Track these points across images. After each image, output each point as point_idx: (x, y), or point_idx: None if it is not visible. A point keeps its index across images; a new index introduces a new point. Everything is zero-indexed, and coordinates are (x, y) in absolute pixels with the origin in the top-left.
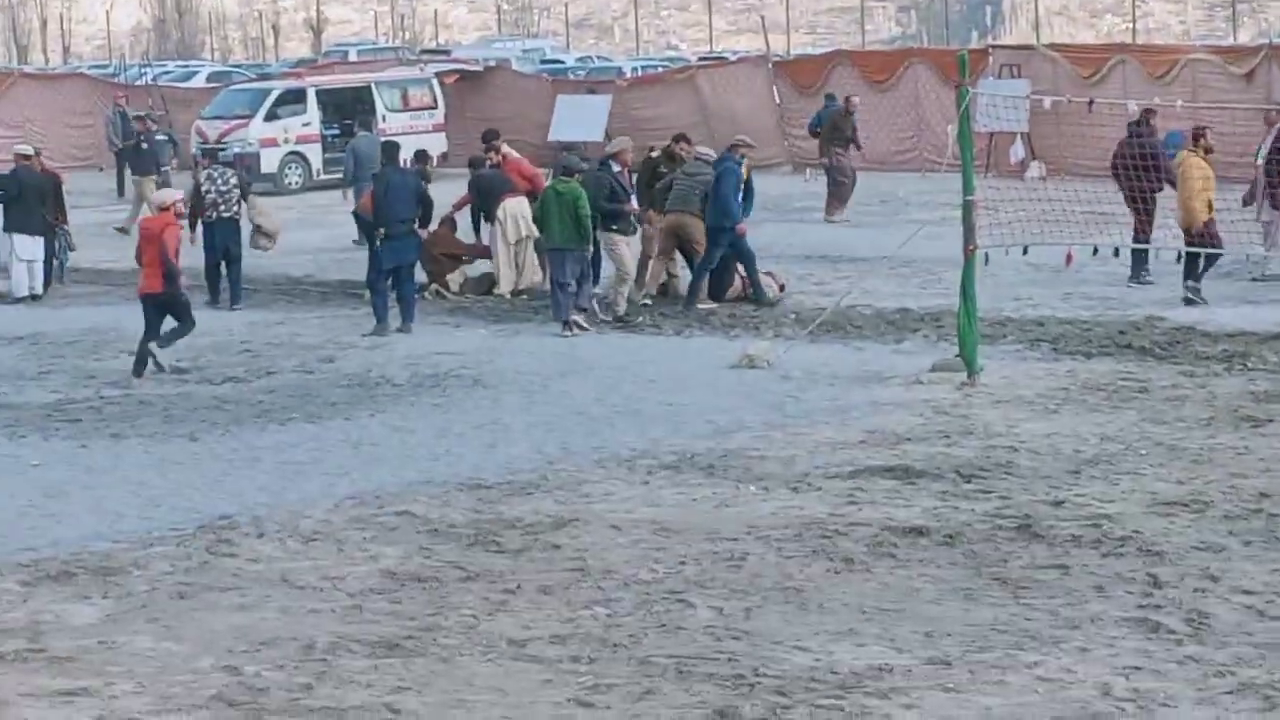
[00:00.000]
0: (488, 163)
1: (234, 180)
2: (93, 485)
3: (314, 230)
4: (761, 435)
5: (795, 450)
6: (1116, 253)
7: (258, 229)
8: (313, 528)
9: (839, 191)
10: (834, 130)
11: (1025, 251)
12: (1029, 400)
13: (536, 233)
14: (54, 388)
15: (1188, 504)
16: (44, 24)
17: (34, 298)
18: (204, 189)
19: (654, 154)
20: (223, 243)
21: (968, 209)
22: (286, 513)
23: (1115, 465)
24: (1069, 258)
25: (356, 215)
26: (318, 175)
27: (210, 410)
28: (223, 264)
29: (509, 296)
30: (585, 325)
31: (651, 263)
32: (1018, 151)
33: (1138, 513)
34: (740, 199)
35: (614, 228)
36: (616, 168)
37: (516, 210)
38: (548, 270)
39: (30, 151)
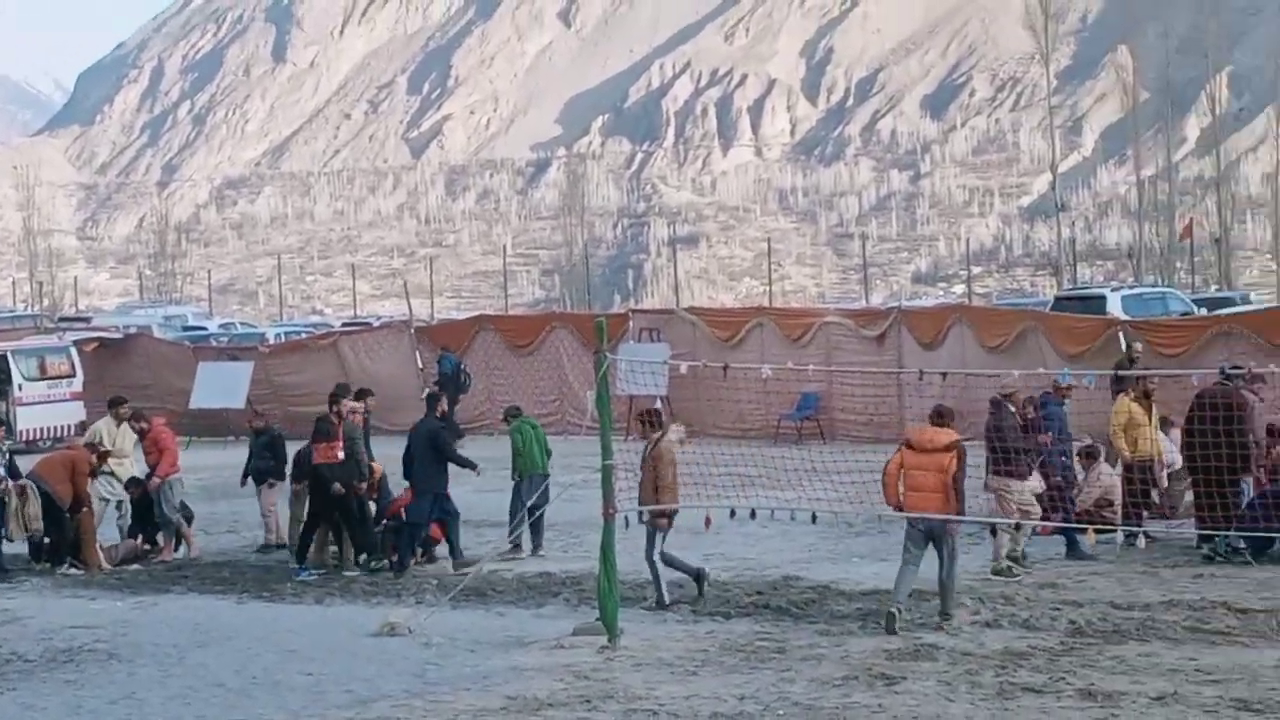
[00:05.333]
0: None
1: None
2: None
3: None
4: (402, 704)
5: (436, 718)
6: (753, 514)
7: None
8: None
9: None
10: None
11: None
12: (669, 662)
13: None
14: None
15: None
16: None
17: None
18: None
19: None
20: None
21: (607, 473)
22: None
23: None
24: (708, 521)
25: None
26: None
27: None
28: None
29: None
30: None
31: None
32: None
33: None
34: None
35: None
36: (1011, 408)
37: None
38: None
39: None
